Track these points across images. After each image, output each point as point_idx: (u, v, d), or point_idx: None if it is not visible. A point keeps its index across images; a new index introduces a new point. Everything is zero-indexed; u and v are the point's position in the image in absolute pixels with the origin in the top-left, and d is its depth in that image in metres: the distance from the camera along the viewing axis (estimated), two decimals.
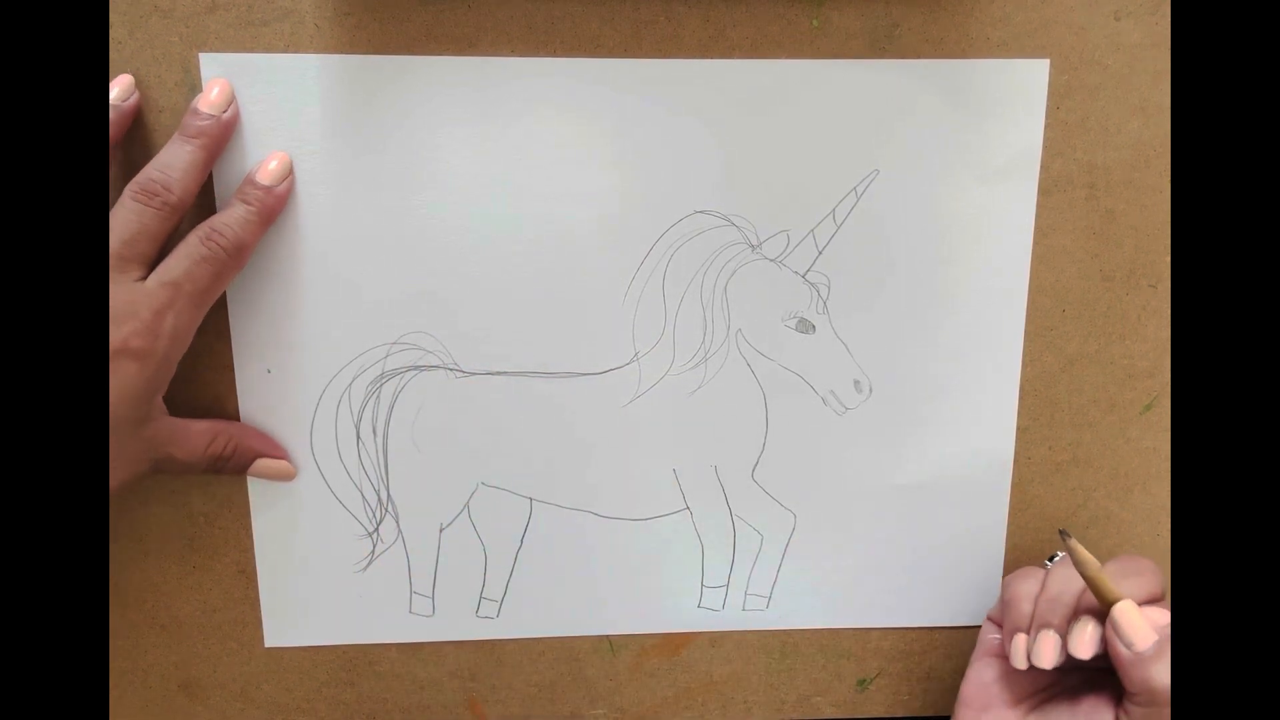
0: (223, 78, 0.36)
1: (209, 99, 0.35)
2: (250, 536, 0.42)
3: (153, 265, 0.34)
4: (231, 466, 0.39)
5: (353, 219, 0.38)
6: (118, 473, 0.35)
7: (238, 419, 0.40)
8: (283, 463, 0.40)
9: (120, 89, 0.35)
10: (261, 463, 0.39)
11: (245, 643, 0.43)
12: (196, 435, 0.37)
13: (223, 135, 0.36)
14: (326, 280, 0.39)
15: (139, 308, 0.33)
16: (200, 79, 0.37)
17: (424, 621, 0.43)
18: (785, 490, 0.43)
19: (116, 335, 0.32)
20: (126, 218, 0.34)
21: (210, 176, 0.37)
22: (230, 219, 0.35)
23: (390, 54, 0.37)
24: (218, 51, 0.36)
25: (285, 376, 0.40)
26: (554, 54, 0.37)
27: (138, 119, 0.37)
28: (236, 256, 0.35)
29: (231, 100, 0.36)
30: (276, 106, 0.37)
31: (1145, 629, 0.33)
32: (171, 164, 0.34)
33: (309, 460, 0.41)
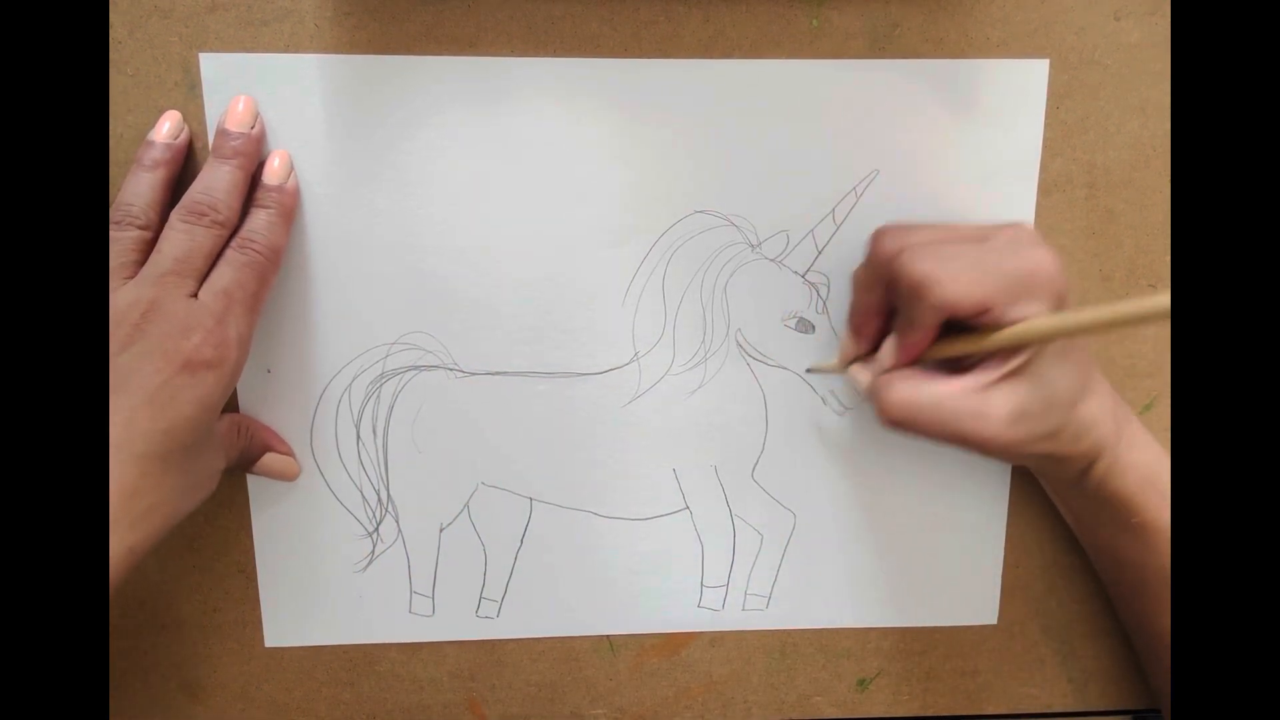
0: (245, 94, 0.36)
1: (236, 117, 0.36)
2: (250, 536, 0.42)
3: (202, 283, 0.35)
4: (247, 459, 0.39)
5: (352, 219, 0.38)
6: (206, 486, 0.36)
7: None
8: (289, 459, 0.40)
9: (171, 125, 0.36)
10: (270, 458, 0.39)
11: (245, 643, 0.43)
12: (227, 433, 0.38)
13: (255, 150, 0.36)
14: (326, 280, 0.39)
15: (202, 318, 0.33)
16: (200, 79, 0.37)
17: (424, 621, 0.43)
18: (785, 490, 0.43)
19: (186, 346, 0.33)
20: (177, 239, 0.34)
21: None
22: (258, 225, 0.36)
23: (390, 54, 0.37)
24: (218, 51, 0.36)
25: (285, 376, 0.40)
26: (554, 54, 0.37)
27: (137, 120, 0.37)
28: (273, 259, 0.36)
29: (257, 114, 0.37)
30: (276, 107, 0.37)
31: (861, 382, 0.38)
32: (213, 185, 0.35)
33: (309, 460, 0.41)
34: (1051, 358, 0.35)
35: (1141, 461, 0.37)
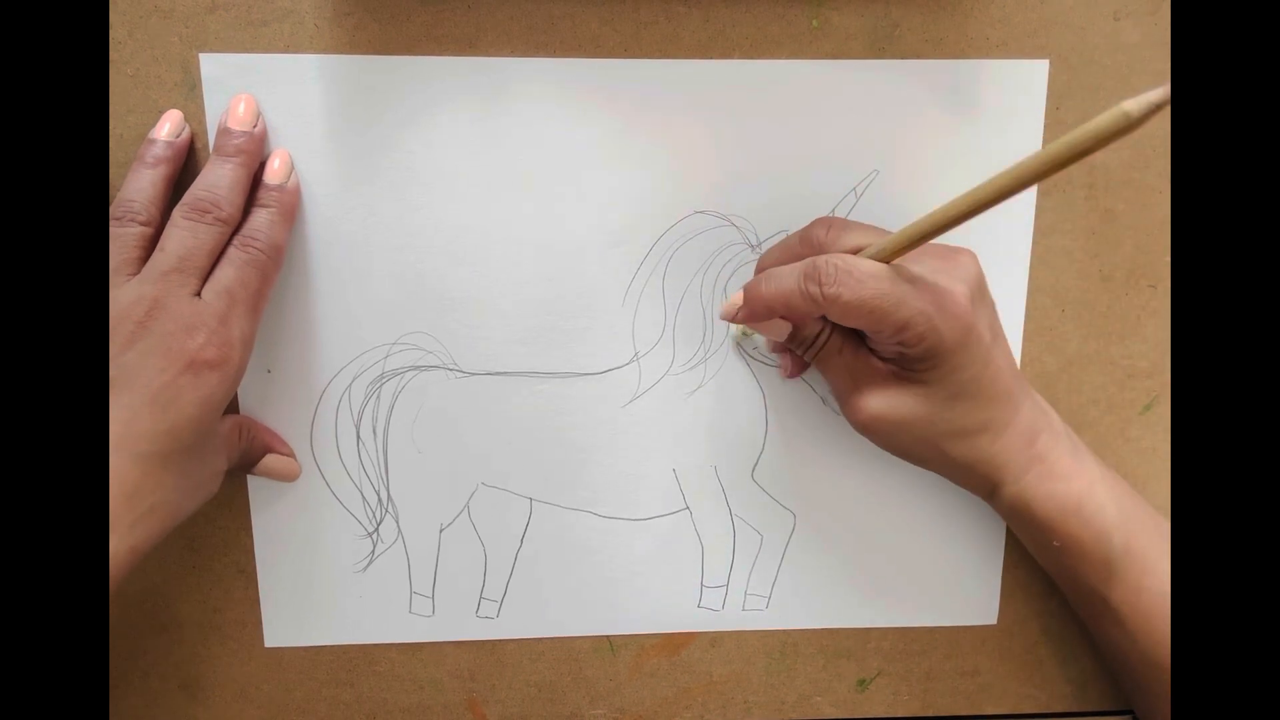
0: (246, 93, 0.36)
1: (238, 116, 0.36)
2: (250, 536, 0.42)
3: (205, 281, 0.35)
4: (248, 460, 0.39)
5: (352, 219, 0.38)
6: (208, 487, 0.37)
7: None
8: (290, 460, 0.40)
9: (171, 125, 0.36)
10: (271, 459, 0.39)
11: (245, 643, 0.43)
12: (228, 434, 0.38)
13: (257, 148, 0.36)
14: (326, 280, 0.39)
15: (205, 318, 0.33)
16: (200, 79, 0.37)
17: (424, 621, 0.43)
18: (785, 490, 0.43)
19: (191, 346, 0.33)
20: (180, 236, 0.34)
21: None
22: (259, 224, 0.36)
23: (390, 54, 0.37)
24: (218, 51, 0.37)
25: (285, 376, 0.40)
26: (554, 54, 0.37)
27: (137, 120, 0.37)
28: (275, 257, 0.36)
29: (258, 113, 0.37)
30: (276, 107, 0.37)
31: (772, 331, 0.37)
32: (217, 183, 0.35)
33: (309, 461, 0.41)
34: (946, 393, 0.35)
35: (1063, 491, 0.37)
